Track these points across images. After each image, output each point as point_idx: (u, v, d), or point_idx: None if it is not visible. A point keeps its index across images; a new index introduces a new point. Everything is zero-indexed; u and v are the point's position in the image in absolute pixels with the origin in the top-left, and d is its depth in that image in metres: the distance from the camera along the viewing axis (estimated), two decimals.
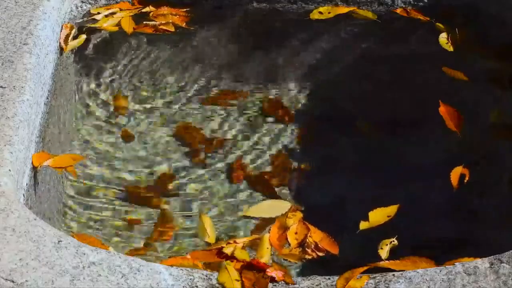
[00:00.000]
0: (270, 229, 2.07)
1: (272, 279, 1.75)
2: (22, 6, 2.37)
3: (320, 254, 2.00)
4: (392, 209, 2.10)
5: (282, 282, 1.74)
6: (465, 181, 2.19)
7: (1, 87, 2.08)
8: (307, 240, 2.02)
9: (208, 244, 2.09)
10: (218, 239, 2.24)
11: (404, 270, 1.76)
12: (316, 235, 2.03)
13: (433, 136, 2.53)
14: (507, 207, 2.30)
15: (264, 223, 2.25)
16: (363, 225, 2.07)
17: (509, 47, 2.61)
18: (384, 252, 1.95)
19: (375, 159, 2.50)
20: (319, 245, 2.01)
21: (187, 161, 2.51)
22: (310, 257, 2.00)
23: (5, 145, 1.94)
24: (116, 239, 2.27)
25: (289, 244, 2.02)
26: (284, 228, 2.06)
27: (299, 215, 2.10)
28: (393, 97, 2.69)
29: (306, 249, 2.01)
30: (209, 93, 2.72)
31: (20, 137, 1.99)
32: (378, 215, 2.09)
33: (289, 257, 1.99)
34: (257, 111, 2.67)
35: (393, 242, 1.99)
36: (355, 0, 2.70)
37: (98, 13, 2.62)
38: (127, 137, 2.57)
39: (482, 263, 1.74)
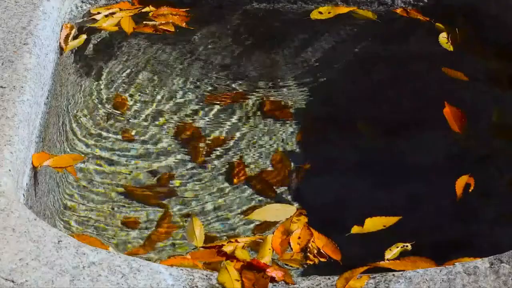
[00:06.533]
0: (274, 231, 2.07)
1: (272, 279, 1.75)
2: (22, 6, 2.37)
3: (322, 259, 1.99)
4: (390, 220, 2.09)
5: (282, 282, 1.74)
6: (470, 190, 2.19)
7: (1, 87, 2.08)
8: (310, 246, 2.02)
9: (196, 247, 2.08)
10: (218, 240, 2.24)
11: (404, 270, 1.76)
12: (319, 241, 2.02)
13: (433, 136, 2.53)
14: (507, 207, 2.30)
15: (267, 225, 2.25)
16: (355, 229, 2.07)
17: (509, 47, 2.61)
18: (391, 253, 1.95)
19: (375, 159, 2.50)
20: (321, 251, 2.01)
21: (187, 161, 2.51)
22: (311, 263, 1.99)
23: (5, 145, 1.94)
24: (116, 239, 2.27)
25: (291, 249, 2.02)
26: (288, 233, 2.05)
27: (304, 219, 2.10)
28: (393, 97, 2.69)
29: (308, 254, 2.01)
30: (209, 93, 2.72)
31: (20, 137, 1.99)
32: (374, 223, 2.08)
33: (290, 262, 1.99)
34: (257, 111, 2.67)
35: (405, 247, 1.98)
36: (355, 0, 2.70)
37: (98, 13, 2.62)
38: (127, 137, 2.57)
39: (482, 263, 1.74)
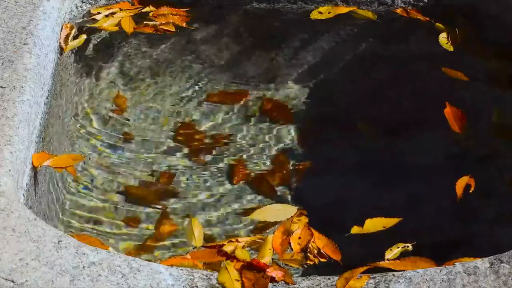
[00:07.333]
0: (274, 231, 2.07)
1: (272, 279, 1.75)
2: (22, 6, 2.37)
3: (322, 260, 1.99)
4: (390, 221, 2.09)
5: (282, 282, 1.74)
6: (470, 191, 2.19)
7: (1, 87, 2.08)
8: (310, 246, 2.02)
9: (194, 247, 2.08)
10: (218, 240, 2.24)
11: (404, 270, 1.76)
12: (319, 241, 2.02)
13: (433, 136, 2.53)
14: (507, 207, 2.30)
15: (267, 225, 2.25)
16: (355, 229, 2.07)
17: (509, 47, 2.61)
18: (391, 253, 1.95)
19: (375, 159, 2.50)
20: (321, 251, 2.01)
21: (187, 161, 2.51)
22: (311, 263, 1.99)
23: (5, 145, 1.94)
24: (116, 239, 2.27)
25: (292, 249, 2.02)
26: (288, 233, 2.05)
27: (304, 220, 2.10)
28: (393, 97, 2.69)
29: (308, 254, 2.01)
30: (209, 93, 2.72)
31: (20, 137, 1.99)
32: (374, 224, 2.08)
33: (291, 262, 1.99)
34: (257, 111, 2.67)
35: (406, 247, 1.98)
36: (355, 0, 2.70)
37: (98, 13, 2.61)
38: (127, 137, 2.57)
39: (482, 263, 1.74)
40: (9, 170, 1.89)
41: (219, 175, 2.47)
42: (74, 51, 2.58)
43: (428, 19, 2.66)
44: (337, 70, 2.76)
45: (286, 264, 1.99)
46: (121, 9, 2.64)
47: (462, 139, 2.42)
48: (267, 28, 2.76)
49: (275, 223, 2.19)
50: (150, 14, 2.64)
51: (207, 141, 2.57)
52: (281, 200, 2.38)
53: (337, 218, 2.27)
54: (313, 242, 2.03)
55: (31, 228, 1.76)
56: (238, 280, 1.76)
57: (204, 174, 2.47)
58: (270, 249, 2.00)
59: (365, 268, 1.78)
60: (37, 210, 2.08)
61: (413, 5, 2.69)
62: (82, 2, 2.62)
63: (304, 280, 1.74)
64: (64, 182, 2.38)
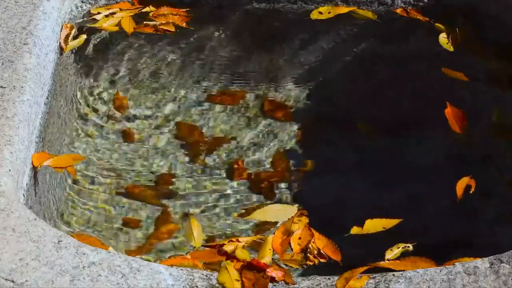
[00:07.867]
0: (274, 231, 2.07)
1: (272, 279, 1.75)
2: (22, 6, 2.37)
3: (322, 260, 1.99)
4: (390, 222, 2.09)
5: (282, 282, 1.74)
6: (471, 192, 2.19)
7: (1, 87, 2.08)
8: (310, 246, 2.02)
9: (194, 247, 2.09)
10: (218, 240, 2.24)
11: (404, 270, 1.76)
12: (320, 241, 2.02)
13: (433, 136, 2.53)
14: (507, 207, 2.30)
15: (267, 225, 2.25)
16: (354, 230, 2.07)
17: (509, 47, 2.61)
18: (391, 253, 1.95)
19: (375, 159, 2.50)
20: (321, 252, 2.01)
21: (187, 161, 2.51)
22: (311, 263, 1.99)
23: (5, 145, 1.94)
24: (116, 239, 2.27)
25: (292, 250, 2.02)
26: (288, 233, 2.05)
27: (305, 220, 2.10)
28: (393, 97, 2.69)
29: (308, 255, 2.01)
30: (209, 93, 2.72)
31: (20, 137, 1.99)
32: (374, 224, 2.08)
33: (291, 262, 1.99)
34: (257, 111, 2.67)
35: (407, 247, 1.98)
36: (355, 0, 2.70)
37: (98, 13, 2.62)
38: (127, 137, 2.57)
39: (482, 263, 1.74)
40: (9, 170, 1.90)
41: (219, 175, 2.47)
42: (74, 51, 2.59)
43: (428, 19, 2.66)
44: (337, 70, 2.76)
45: (286, 264, 1.99)
46: (121, 9, 2.64)
47: (462, 139, 2.42)
48: (267, 28, 2.76)
49: (275, 223, 2.19)
50: (150, 14, 2.64)
51: (207, 141, 2.57)
52: (281, 200, 2.38)
53: (337, 218, 2.27)
54: (313, 242, 2.03)
55: (31, 228, 1.76)
56: (238, 280, 1.76)
57: (204, 174, 2.47)
58: (270, 249, 2.00)
59: (365, 268, 1.78)
60: (37, 210, 2.08)
61: (413, 5, 2.69)
62: (82, 2, 2.63)
63: (304, 280, 1.74)
64: (64, 182, 2.38)
